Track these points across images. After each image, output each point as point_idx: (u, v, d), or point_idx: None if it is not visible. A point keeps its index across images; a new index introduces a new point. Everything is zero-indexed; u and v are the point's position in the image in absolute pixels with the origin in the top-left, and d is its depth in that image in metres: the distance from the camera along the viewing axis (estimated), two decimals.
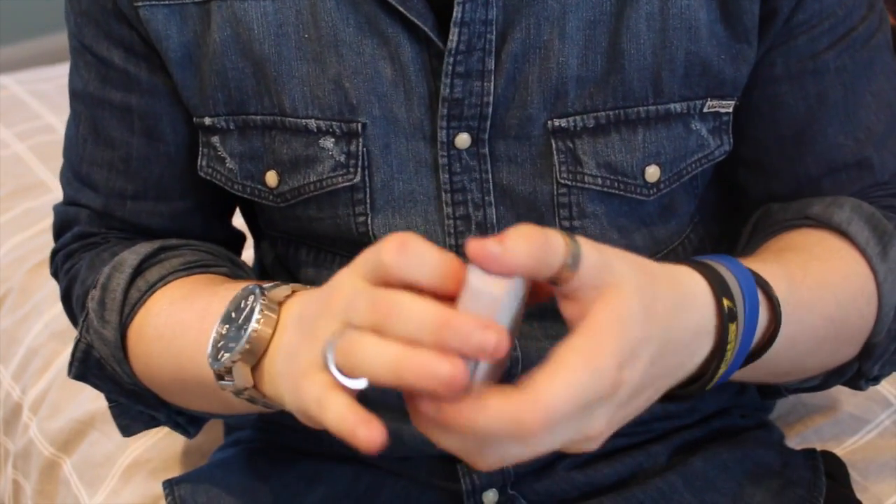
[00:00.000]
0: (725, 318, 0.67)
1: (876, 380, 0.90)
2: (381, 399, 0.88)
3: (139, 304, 0.83)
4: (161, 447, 1.10)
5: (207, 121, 0.82)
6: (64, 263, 0.91)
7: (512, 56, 0.77)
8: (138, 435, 1.10)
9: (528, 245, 0.57)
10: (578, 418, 0.58)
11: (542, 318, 0.83)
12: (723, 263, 0.70)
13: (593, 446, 0.60)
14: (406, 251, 0.58)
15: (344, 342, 0.58)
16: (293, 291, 0.71)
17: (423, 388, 0.56)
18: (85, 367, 0.88)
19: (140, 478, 1.08)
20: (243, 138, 0.82)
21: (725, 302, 0.67)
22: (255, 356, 0.69)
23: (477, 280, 0.57)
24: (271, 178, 0.82)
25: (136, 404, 0.89)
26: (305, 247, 0.87)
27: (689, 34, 0.77)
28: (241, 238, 0.97)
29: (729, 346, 0.68)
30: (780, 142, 0.85)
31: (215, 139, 0.83)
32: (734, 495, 0.88)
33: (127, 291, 0.83)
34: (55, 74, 1.92)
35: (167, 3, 0.80)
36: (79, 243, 0.91)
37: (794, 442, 1.05)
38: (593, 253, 0.59)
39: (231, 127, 0.82)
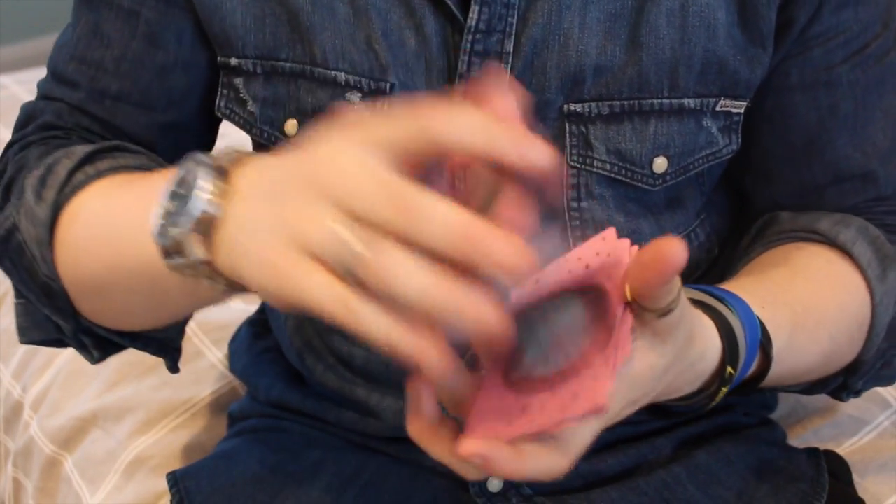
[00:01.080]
0: (723, 381, 0.71)
1: (857, 393, 0.93)
2: (383, 376, 0.89)
3: (82, 185, 0.77)
4: (163, 444, 1.10)
5: (234, 62, 0.83)
6: (16, 155, 0.85)
7: (531, 40, 0.79)
8: (139, 432, 1.11)
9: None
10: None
11: None
12: (740, 318, 0.72)
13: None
14: (461, 115, 0.52)
15: (372, 250, 0.50)
16: (244, 156, 0.61)
17: (461, 328, 0.51)
18: (4, 247, 0.82)
19: (142, 475, 1.08)
20: (268, 83, 0.83)
21: (728, 370, 0.70)
22: (208, 227, 0.58)
23: None
24: (290, 126, 0.83)
25: (44, 305, 0.82)
26: None
27: (708, 32, 0.79)
28: None
29: (717, 397, 0.72)
30: (789, 149, 0.87)
31: (238, 81, 0.83)
32: (738, 489, 0.88)
33: (73, 173, 0.78)
34: None
35: None
36: (38, 135, 0.86)
37: (794, 443, 1.04)
38: (679, 314, 0.61)
39: (258, 71, 0.82)
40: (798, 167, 0.87)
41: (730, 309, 0.72)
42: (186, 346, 0.97)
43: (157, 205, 0.61)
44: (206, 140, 0.92)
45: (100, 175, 0.78)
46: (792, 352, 0.79)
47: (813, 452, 0.94)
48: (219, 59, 0.84)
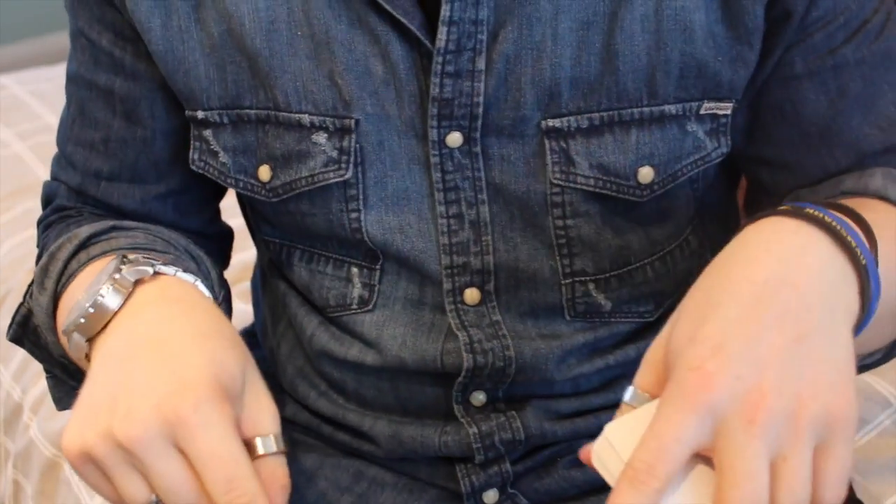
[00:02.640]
0: (831, 228, 0.62)
1: None
2: (378, 401, 0.89)
3: (74, 275, 0.81)
4: None
5: (200, 114, 0.82)
6: (41, 234, 0.92)
7: (503, 56, 0.77)
8: None
9: None
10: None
11: (536, 316, 0.84)
12: (794, 205, 0.64)
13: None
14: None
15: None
16: (156, 275, 0.71)
17: None
18: (23, 331, 0.87)
19: None
20: (237, 132, 0.82)
21: (812, 212, 0.63)
22: (92, 330, 0.69)
23: None
24: (264, 172, 0.82)
25: (67, 378, 0.88)
26: (298, 250, 0.87)
27: (685, 36, 0.77)
28: (223, 235, 0.96)
29: (854, 246, 0.62)
30: (805, 139, 0.83)
31: (208, 133, 0.83)
32: None
33: (68, 262, 0.81)
34: (55, 74, 1.92)
35: None
36: (56, 215, 0.92)
37: None
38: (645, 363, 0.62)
39: (225, 121, 0.82)
40: (819, 155, 0.84)
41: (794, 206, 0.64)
42: None
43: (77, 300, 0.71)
44: (209, 195, 0.92)
45: (91, 261, 0.80)
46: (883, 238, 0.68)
47: None
48: (186, 112, 0.83)
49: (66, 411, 1.18)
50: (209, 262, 0.87)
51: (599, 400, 0.86)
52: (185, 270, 0.74)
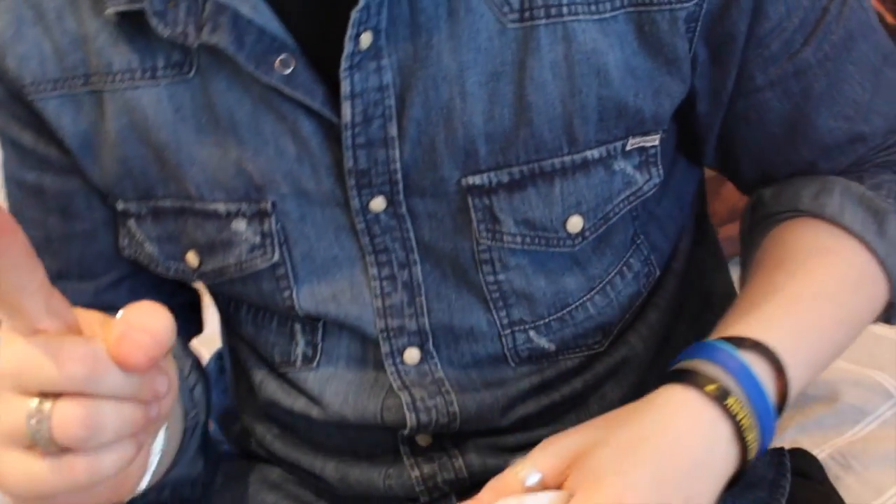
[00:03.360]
0: (718, 399, 0.68)
1: None
2: (329, 444, 0.87)
3: None
4: None
5: (120, 205, 0.80)
6: None
7: (414, 121, 0.73)
8: None
9: (493, 497, 0.65)
10: None
11: (480, 367, 0.82)
12: (695, 357, 0.70)
13: None
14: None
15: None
16: None
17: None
18: None
19: None
20: (157, 222, 0.80)
21: (707, 389, 0.68)
22: None
23: None
24: (192, 258, 0.80)
25: None
26: (245, 306, 0.86)
27: (599, 79, 0.72)
28: (188, 305, 0.93)
29: (742, 418, 0.68)
30: (770, 139, 0.82)
31: (131, 222, 0.81)
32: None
33: None
34: None
35: (58, 92, 0.77)
36: None
37: (794, 431, 1.04)
38: (546, 449, 0.67)
39: (143, 211, 0.80)
40: (784, 152, 0.83)
41: (694, 360, 0.70)
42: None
43: None
44: (159, 282, 0.87)
45: None
46: (799, 336, 0.74)
47: (777, 453, 0.89)
48: (109, 201, 0.81)
49: None
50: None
51: (545, 432, 0.82)
52: None
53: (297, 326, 0.83)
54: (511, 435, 0.85)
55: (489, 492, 0.66)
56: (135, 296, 0.86)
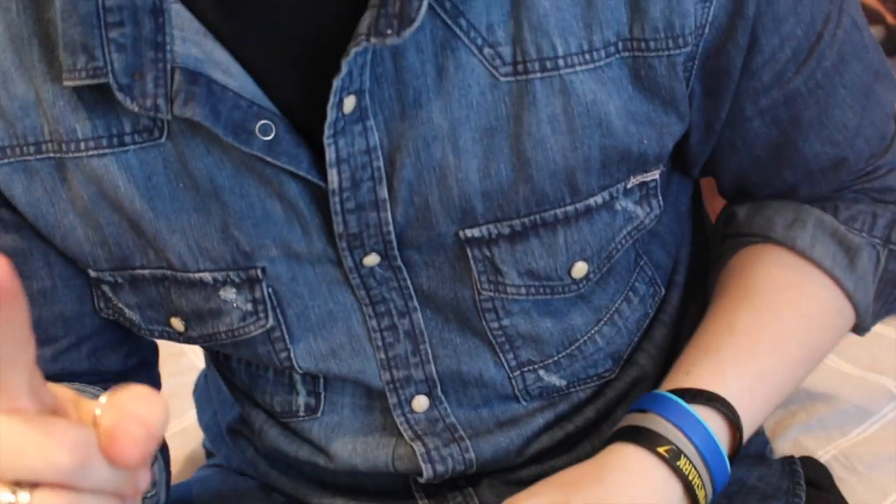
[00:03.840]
0: (671, 461, 0.70)
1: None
2: (337, 484, 0.86)
3: None
4: None
5: (93, 273, 0.75)
6: None
7: (406, 182, 0.69)
8: None
9: None
10: None
11: (491, 406, 0.80)
12: (650, 410, 0.72)
13: None
14: None
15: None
16: None
17: None
18: None
19: None
20: (136, 290, 0.75)
21: (661, 450, 0.70)
22: None
23: None
24: (177, 323, 0.76)
25: None
26: (236, 358, 0.84)
27: (601, 129, 0.70)
28: (145, 363, 0.86)
29: (693, 478, 0.71)
30: (755, 162, 0.80)
31: (106, 288, 0.76)
32: None
33: None
34: None
35: (6, 161, 0.71)
36: None
37: (797, 431, 1.04)
38: None
39: (119, 281, 0.75)
40: (767, 174, 0.81)
41: (648, 415, 0.73)
42: (179, 368, 0.94)
43: None
44: (125, 331, 0.82)
45: None
46: (758, 387, 0.76)
47: (789, 462, 0.89)
48: (80, 267, 0.75)
49: None
50: None
51: (559, 463, 0.83)
52: None
53: (297, 377, 0.80)
54: (525, 469, 0.84)
55: None
56: (95, 359, 0.81)
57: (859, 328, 0.85)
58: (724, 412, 0.73)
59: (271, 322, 0.74)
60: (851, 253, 0.80)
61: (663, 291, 0.85)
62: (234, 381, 0.85)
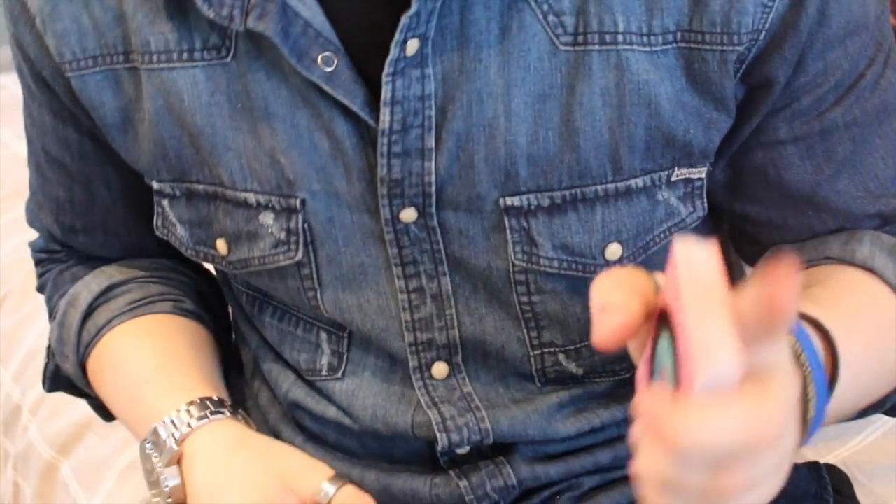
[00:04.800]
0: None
1: None
2: (362, 451, 0.85)
3: (91, 345, 0.86)
4: None
5: (156, 185, 0.79)
6: (36, 265, 0.95)
7: (454, 134, 0.71)
8: (134, 438, 1.10)
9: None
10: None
11: (507, 384, 0.81)
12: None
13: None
14: None
15: None
16: (183, 447, 0.77)
17: None
18: (57, 381, 0.93)
19: (137, 480, 1.08)
20: (190, 205, 0.79)
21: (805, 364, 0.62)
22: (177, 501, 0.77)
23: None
24: (221, 245, 0.79)
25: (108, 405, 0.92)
26: (270, 307, 0.85)
27: (649, 110, 0.71)
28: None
29: (809, 389, 0.62)
30: (791, 201, 0.79)
31: (165, 202, 0.80)
32: None
33: (80, 333, 0.86)
34: None
35: (99, 68, 0.76)
36: (46, 255, 0.93)
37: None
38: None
39: (178, 193, 0.78)
40: (805, 216, 0.79)
41: None
42: None
43: (142, 466, 0.79)
44: None
45: (100, 334, 0.86)
46: (843, 334, 0.68)
47: (814, 467, 0.89)
48: (146, 180, 0.80)
49: (65, 415, 1.18)
50: (207, 285, 0.91)
51: (590, 440, 0.83)
52: (197, 319, 0.88)
53: (323, 335, 0.82)
54: (555, 443, 0.83)
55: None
56: (162, 250, 0.88)
57: None
58: (831, 350, 0.66)
59: (300, 255, 0.76)
60: None
61: None
62: (266, 335, 0.87)
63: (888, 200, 0.79)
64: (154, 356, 0.85)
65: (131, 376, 0.84)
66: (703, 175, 0.76)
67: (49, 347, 0.91)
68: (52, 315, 0.91)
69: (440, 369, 0.80)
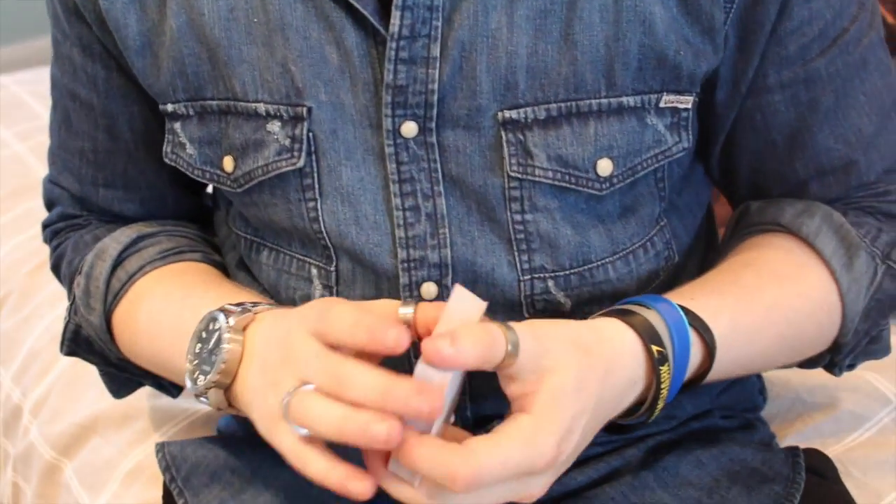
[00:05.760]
0: (656, 362, 0.73)
1: (851, 367, 0.93)
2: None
3: (121, 293, 0.89)
4: None
5: (170, 107, 0.84)
6: (52, 240, 0.98)
7: (458, 43, 0.76)
8: (139, 441, 1.11)
9: (476, 346, 0.65)
10: (513, 484, 0.67)
11: (494, 313, 0.83)
12: (655, 308, 0.76)
13: (532, 500, 0.70)
14: (329, 319, 0.68)
15: (296, 401, 0.67)
16: (254, 315, 0.77)
17: (363, 445, 0.65)
18: (75, 344, 0.95)
19: (141, 483, 1.08)
20: (202, 123, 0.83)
21: (655, 349, 0.73)
22: (227, 381, 0.76)
23: (423, 370, 0.66)
24: (228, 163, 0.83)
25: (123, 374, 0.96)
26: (266, 248, 0.88)
27: (644, 27, 0.76)
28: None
29: (663, 387, 0.75)
30: (770, 147, 0.85)
31: (177, 125, 0.85)
32: (709, 489, 0.87)
33: (109, 281, 0.89)
34: None
35: None
36: (64, 223, 0.97)
37: (794, 439, 1.04)
38: (530, 341, 0.68)
39: (191, 113, 0.84)
40: (780, 163, 0.86)
41: (645, 307, 0.76)
42: None
43: (189, 352, 0.78)
44: (198, 192, 0.99)
45: (131, 279, 0.89)
46: (739, 335, 0.79)
47: (792, 451, 0.92)
48: (160, 107, 0.85)
49: (67, 417, 1.19)
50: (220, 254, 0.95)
51: None
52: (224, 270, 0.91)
53: (314, 270, 0.85)
54: None
55: (475, 343, 0.66)
56: (179, 207, 0.95)
57: (838, 346, 0.87)
58: (709, 348, 0.78)
59: (302, 162, 0.80)
60: (851, 252, 0.84)
61: (677, 258, 0.89)
62: (262, 280, 0.90)
63: (862, 152, 0.85)
64: (197, 282, 0.89)
65: (177, 293, 0.87)
66: (690, 106, 0.81)
67: (71, 304, 0.93)
68: (74, 275, 0.93)
69: (429, 289, 0.83)
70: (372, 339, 0.65)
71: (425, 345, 0.65)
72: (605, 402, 0.71)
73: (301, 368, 0.68)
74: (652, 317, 0.75)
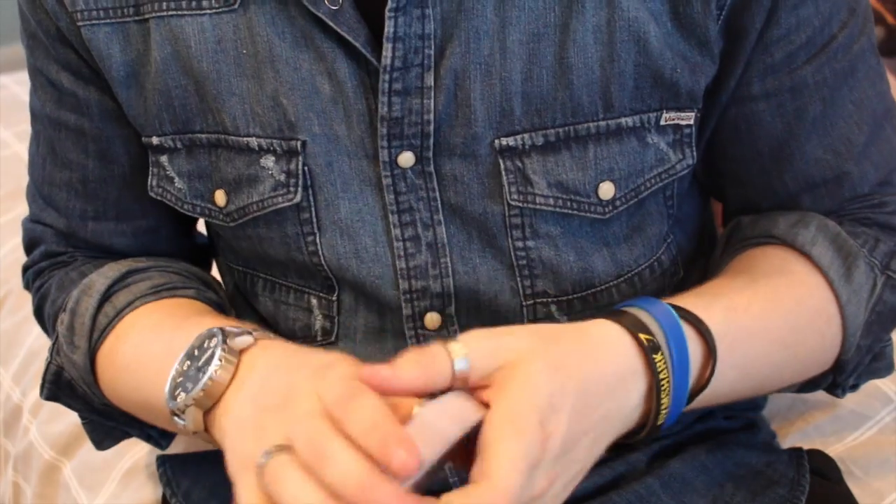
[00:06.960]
0: (648, 350, 0.69)
1: (854, 388, 0.91)
2: None
3: (108, 329, 0.84)
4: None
5: (155, 140, 0.82)
6: (34, 281, 0.93)
7: (451, 71, 0.75)
8: (136, 441, 1.10)
9: (415, 368, 0.62)
10: (527, 485, 0.62)
11: None
12: (640, 306, 0.72)
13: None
14: (350, 409, 0.61)
15: (272, 467, 0.61)
16: (256, 340, 0.72)
17: None
18: (57, 387, 0.89)
19: (139, 482, 1.08)
20: (191, 157, 0.81)
21: (643, 336, 0.69)
22: (209, 403, 0.71)
23: (423, 418, 0.63)
24: (220, 197, 0.81)
25: (107, 421, 0.90)
26: (261, 279, 0.87)
27: (638, 47, 0.75)
28: (209, 248, 0.97)
29: (663, 378, 0.70)
30: (758, 158, 0.83)
31: (164, 158, 0.82)
32: (713, 496, 0.86)
33: (95, 317, 0.84)
34: None
35: (109, 20, 0.79)
36: (47, 262, 0.92)
37: (795, 438, 1.04)
38: (481, 342, 0.64)
39: (178, 146, 0.81)
40: (769, 175, 0.84)
41: (626, 306, 0.73)
42: None
43: (174, 367, 0.73)
44: (192, 225, 0.95)
45: (119, 315, 0.83)
46: (738, 335, 0.76)
47: (796, 453, 0.91)
48: (143, 139, 0.83)
49: (66, 416, 1.19)
50: (216, 284, 0.91)
51: None
52: (220, 309, 0.85)
53: (314, 301, 0.84)
54: None
55: (413, 364, 0.63)
56: (170, 243, 0.90)
57: (841, 365, 0.85)
58: (708, 345, 0.74)
59: (299, 197, 0.79)
60: (849, 262, 0.82)
61: (682, 274, 0.88)
62: (259, 310, 0.88)
63: (853, 163, 0.82)
64: (192, 313, 0.84)
65: (168, 324, 0.81)
66: (692, 122, 0.79)
67: (52, 346, 0.88)
68: (57, 313, 0.88)
69: (433, 319, 0.82)
70: (380, 454, 0.59)
71: (364, 372, 0.62)
72: (594, 388, 0.67)
73: (292, 425, 0.63)
74: (634, 311, 0.72)
